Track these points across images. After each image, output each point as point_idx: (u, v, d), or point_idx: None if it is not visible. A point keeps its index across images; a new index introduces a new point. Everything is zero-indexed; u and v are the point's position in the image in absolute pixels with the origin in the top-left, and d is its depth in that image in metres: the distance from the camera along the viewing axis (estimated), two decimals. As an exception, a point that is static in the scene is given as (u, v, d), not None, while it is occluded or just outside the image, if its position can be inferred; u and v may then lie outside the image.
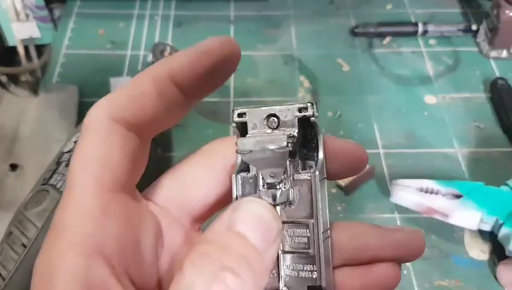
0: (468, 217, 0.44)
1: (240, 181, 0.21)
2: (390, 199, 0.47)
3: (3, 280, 0.33)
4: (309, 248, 0.20)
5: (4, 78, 0.57)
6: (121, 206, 0.19)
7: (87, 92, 0.58)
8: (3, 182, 0.48)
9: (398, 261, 0.21)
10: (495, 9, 0.60)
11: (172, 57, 0.19)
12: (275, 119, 0.21)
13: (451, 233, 0.47)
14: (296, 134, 0.20)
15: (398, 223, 0.48)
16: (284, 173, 0.20)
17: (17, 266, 0.33)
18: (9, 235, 0.35)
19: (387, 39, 0.66)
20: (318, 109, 0.20)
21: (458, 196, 0.45)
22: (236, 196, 0.21)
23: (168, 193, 0.21)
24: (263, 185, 0.20)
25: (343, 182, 0.49)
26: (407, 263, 0.45)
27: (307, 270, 0.20)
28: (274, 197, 0.20)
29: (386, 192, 0.49)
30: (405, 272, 0.45)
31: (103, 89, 0.58)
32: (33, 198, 0.37)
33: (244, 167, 0.21)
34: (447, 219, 0.44)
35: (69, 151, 0.40)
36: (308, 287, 0.20)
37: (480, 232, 0.46)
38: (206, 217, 0.23)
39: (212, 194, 0.22)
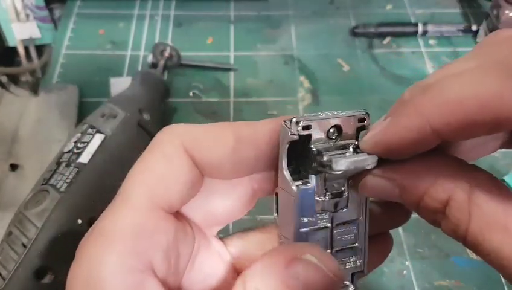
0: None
1: (300, 196, 0.20)
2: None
3: (3, 280, 0.33)
4: (355, 242, 0.22)
5: (4, 78, 0.57)
6: (170, 224, 0.19)
7: (87, 92, 0.58)
8: (3, 182, 0.48)
9: None
10: (495, 10, 0.60)
11: (259, 121, 0.20)
12: (335, 129, 0.20)
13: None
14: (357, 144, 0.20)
15: (398, 223, 0.48)
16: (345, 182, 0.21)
17: (17, 266, 0.33)
18: (9, 235, 0.35)
19: (387, 39, 0.66)
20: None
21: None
22: (298, 223, 0.20)
23: (194, 204, 0.22)
24: (325, 194, 0.21)
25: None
26: (407, 263, 0.45)
27: (352, 261, 0.22)
28: (335, 205, 0.21)
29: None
30: (405, 272, 0.45)
31: (103, 89, 0.58)
32: (33, 198, 0.37)
33: (296, 176, 0.21)
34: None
35: (69, 152, 0.39)
36: (352, 274, 0.22)
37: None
38: (224, 224, 0.23)
39: (236, 204, 0.22)
